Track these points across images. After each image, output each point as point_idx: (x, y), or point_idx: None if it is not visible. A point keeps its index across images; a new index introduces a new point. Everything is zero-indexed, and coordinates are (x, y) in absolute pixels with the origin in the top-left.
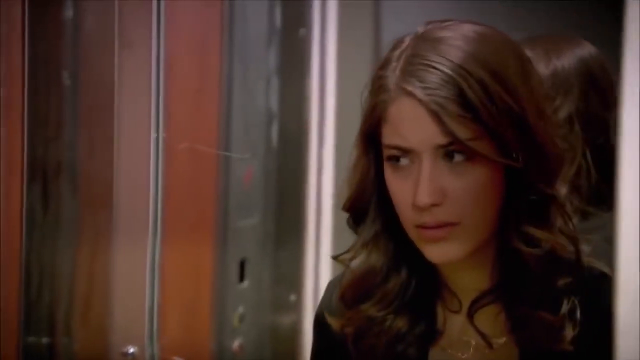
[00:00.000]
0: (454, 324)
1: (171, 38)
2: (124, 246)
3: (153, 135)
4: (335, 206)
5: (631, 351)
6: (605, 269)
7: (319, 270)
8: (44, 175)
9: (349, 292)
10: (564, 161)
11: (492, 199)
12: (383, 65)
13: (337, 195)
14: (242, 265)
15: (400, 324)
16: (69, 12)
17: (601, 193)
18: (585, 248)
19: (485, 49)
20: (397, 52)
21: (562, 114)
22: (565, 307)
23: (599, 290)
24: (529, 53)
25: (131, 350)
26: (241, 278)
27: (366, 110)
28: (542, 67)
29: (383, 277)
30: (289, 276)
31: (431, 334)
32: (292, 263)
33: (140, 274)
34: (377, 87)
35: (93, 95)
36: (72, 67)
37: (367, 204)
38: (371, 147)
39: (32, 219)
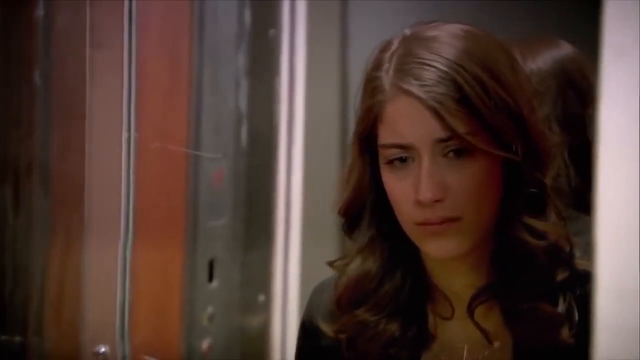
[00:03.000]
0: (446, 331)
1: (142, 38)
2: (95, 245)
3: (125, 134)
4: (304, 207)
5: (610, 352)
6: None
7: (288, 271)
8: (15, 175)
9: (345, 297)
10: (554, 155)
11: (492, 194)
12: (375, 67)
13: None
14: (211, 265)
15: (393, 327)
16: (40, 11)
17: (581, 195)
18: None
19: (476, 45)
20: (387, 54)
21: (540, 115)
22: (562, 305)
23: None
24: None
25: (102, 349)
26: (210, 278)
27: (361, 113)
28: None
29: (378, 282)
30: (258, 277)
31: (423, 339)
32: (261, 264)
33: (111, 274)
34: (372, 88)
35: (65, 95)
36: (43, 67)
37: (363, 208)
38: (367, 150)
39: (4, 219)
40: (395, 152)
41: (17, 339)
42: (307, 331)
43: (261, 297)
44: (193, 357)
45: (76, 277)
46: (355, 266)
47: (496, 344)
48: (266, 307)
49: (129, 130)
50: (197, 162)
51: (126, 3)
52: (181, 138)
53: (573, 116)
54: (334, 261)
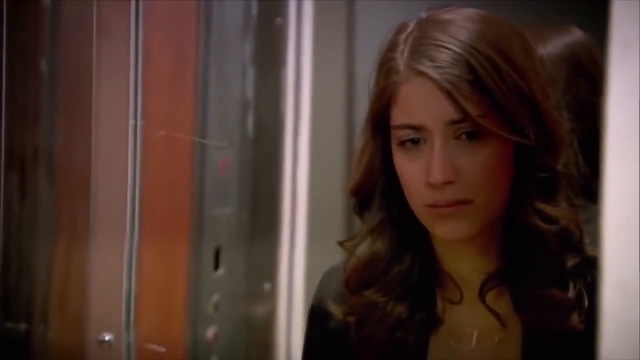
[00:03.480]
0: (455, 315)
1: (149, 27)
2: (101, 234)
3: (131, 123)
4: (310, 196)
5: (616, 345)
6: None
7: (294, 259)
8: (22, 163)
9: (354, 278)
10: (567, 141)
11: (504, 177)
12: (390, 48)
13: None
14: (217, 254)
15: (401, 309)
16: (47, 1)
17: (589, 184)
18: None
19: (490, 29)
20: (403, 36)
21: (553, 101)
22: (572, 291)
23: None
24: None
25: (107, 337)
26: (216, 266)
27: (375, 93)
28: None
29: (387, 264)
30: (264, 265)
31: (431, 323)
32: (267, 252)
33: (117, 262)
34: (386, 69)
35: (71, 83)
36: (50, 55)
37: (374, 189)
38: (379, 132)
39: (10, 208)
40: (407, 133)
41: (23, 326)
42: (316, 315)
43: (267, 286)
44: (199, 346)
45: (81, 266)
46: (365, 247)
47: (502, 334)
48: (272, 295)
49: (135, 119)
50: (203, 151)
51: None
52: (187, 126)
53: (583, 103)
54: (344, 241)
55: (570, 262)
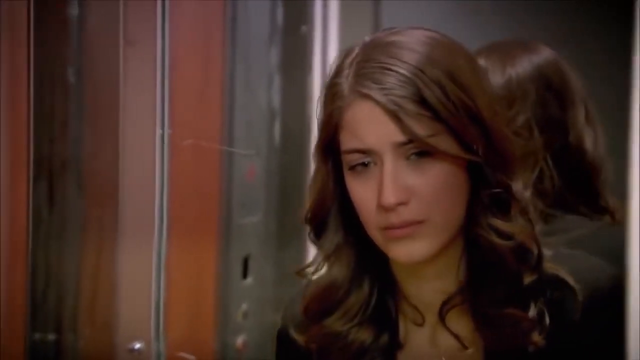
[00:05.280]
0: (419, 338)
1: (175, 36)
2: (129, 242)
3: (158, 131)
4: None
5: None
6: (569, 279)
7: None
8: (50, 172)
9: (313, 306)
10: (518, 157)
11: (458, 195)
12: (335, 74)
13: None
14: (245, 262)
15: (363, 337)
16: (74, 10)
17: (563, 197)
18: (546, 251)
19: (437, 51)
20: (348, 60)
21: (520, 120)
22: (533, 310)
23: (564, 300)
24: (484, 62)
25: (137, 346)
26: (244, 275)
27: (322, 120)
28: (498, 76)
29: (346, 290)
30: (292, 273)
31: (395, 347)
32: (295, 260)
33: (145, 270)
34: (332, 95)
35: (98, 93)
36: (77, 64)
37: (328, 215)
38: (329, 157)
39: (38, 216)
40: (357, 157)
41: (52, 336)
42: (283, 341)
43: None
44: (228, 354)
45: (110, 274)
46: (322, 274)
47: (470, 350)
48: None
49: (162, 128)
50: (230, 159)
51: (159, 1)
52: (214, 135)
53: (553, 120)
54: (302, 269)
55: (528, 279)
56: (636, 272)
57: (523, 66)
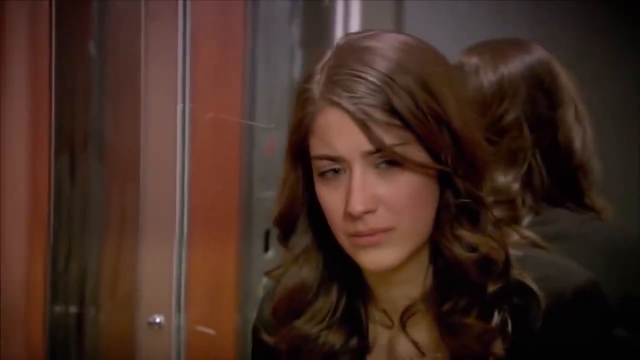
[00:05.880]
0: (388, 339)
1: (197, 11)
2: (151, 217)
3: (179, 106)
4: None
5: None
6: (533, 286)
7: None
8: (71, 147)
9: (282, 308)
10: (489, 163)
11: (426, 203)
12: (307, 79)
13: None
14: (266, 236)
15: (334, 339)
16: None
17: (552, 192)
18: (517, 253)
19: (410, 57)
20: (320, 65)
21: (510, 117)
22: (497, 318)
23: (528, 307)
24: (476, 60)
25: (157, 319)
26: (266, 249)
27: (293, 124)
28: (490, 73)
29: (314, 293)
30: None
31: (365, 349)
32: None
33: (167, 245)
34: (303, 100)
35: (120, 67)
36: (98, 39)
37: (297, 218)
38: (299, 162)
39: (60, 190)
40: (326, 164)
41: (73, 309)
42: (256, 339)
43: None
44: (249, 328)
45: (132, 248)
46: (291, 276)
47: (438, 356)
48: None
49: (183, 102)
50: (251, 133)
51: None
52: (235, 109)
53: (542, 118)
54: (271, 271)
55: (492, 287)
56: None
57: (515, 65)
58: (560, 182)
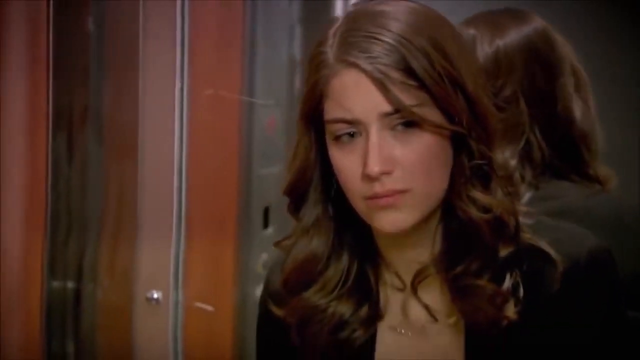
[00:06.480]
0: (400, 303)
1: None
2: (149, 193)
3: (178, 83)
4: None
5: None
6: (549, 250)
7: None
8: (70, 123)
9: (292, 279)
10: (498, 130)
11: (442, 166)
12: (320, 43)
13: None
14: (266, 213)
15: (343, 309)
16: None
17: (554, 165)
18: (527, 221)
19: (422, 21)
20: (332, 30)
21: (507, 91)
22: (508, 282)
23: (542, 271)
24: (473, 32)
25: (155, 295)
26: (265, 225)
27: (306, 89)
28: (486, 46)
29: (325, 263)
30: None
31: (376, 316)
32: None
33: (165, 220)
34: (317, 64)
35: (118, 43)
36: (97, 15)
37: (308, 187)
38: (312, 128)
39: (58, 167)
40: (342, 127)
41: (70, 284)
42: (263, 312)
43: None
44: (247, 304)
45: (130, 224)
46: (302, 247)
47: (451, 319)
48: None
49: (182, 79)
50: (250, 110)
51: None
52: (234, 86)
53: (541, 91)
54: (280, 241)
55: (504, 251)
56: None
57: (511, 37)
58: (562, 153)
